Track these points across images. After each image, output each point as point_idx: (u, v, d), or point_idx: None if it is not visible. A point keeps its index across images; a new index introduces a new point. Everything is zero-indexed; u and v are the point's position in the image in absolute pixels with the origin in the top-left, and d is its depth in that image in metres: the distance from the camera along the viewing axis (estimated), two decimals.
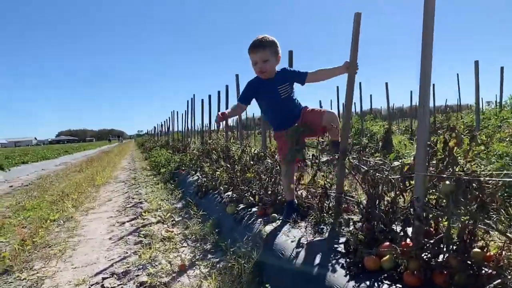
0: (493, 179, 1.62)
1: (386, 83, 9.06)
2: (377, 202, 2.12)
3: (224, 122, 3.02)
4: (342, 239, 2.20)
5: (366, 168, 2.38)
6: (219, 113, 2.78)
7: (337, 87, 11.51)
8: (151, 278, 2.54)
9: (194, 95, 10.10)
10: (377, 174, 2.27)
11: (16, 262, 3.09)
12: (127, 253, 3.20)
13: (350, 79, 2.41)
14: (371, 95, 18.18)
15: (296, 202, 2.92)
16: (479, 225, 1.64)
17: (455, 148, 1.75)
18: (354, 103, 14.47)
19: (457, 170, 1.77)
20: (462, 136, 1.70)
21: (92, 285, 2.59)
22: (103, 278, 2.67)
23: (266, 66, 2.64)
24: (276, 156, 3.70)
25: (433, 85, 10.74)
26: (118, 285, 2.54)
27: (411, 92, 12.79)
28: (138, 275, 2.65)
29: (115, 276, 2.69)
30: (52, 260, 3.15)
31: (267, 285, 2.17)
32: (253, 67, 2.73)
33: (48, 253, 3.31)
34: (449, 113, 13.47)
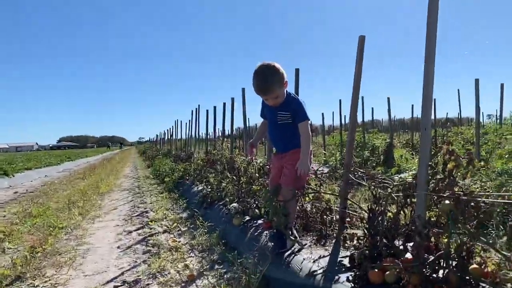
0: (489, 200, 1.73)
1: (388, 98, 9.21)
2: (380, 218, 2.23)
3: (255, 149, 3.13)
4: (345, 253, 2.30)
5: (368, 185, 2.49)
6: (248, 145, 3.00)
7: (340, 100, 11.65)
8: (162, 287, 2.64)
9: (199, 105, 10.24)
10: (379, 190, 2.39)
11: (28, 269, 3.18)
12: (136, 262, 3.30)
13: (354, 103, 2.54)
14: (372, 108, 18.26)
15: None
16: (477, 243, 1.75)
17: (454, 169, 1.87)
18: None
19: (456, 190, 1.88)
20: (461, 158, 1.82)
21: None
22: (115, 287, 2.76)
23: (276, 101, 2.68)
24: None
25: (434, 99, 10.88)
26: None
27: (412, 106, 12.95)
28: (148, 284, 2.75)
29: (126, 284, 2.78)
30: (63, 267, 3.24)
31: None
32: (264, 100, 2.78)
33: (59, 261, 3.40)
34: (450, 127, 13.60)
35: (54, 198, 7.46)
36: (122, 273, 3.03)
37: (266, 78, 2.55)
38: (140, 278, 2.88)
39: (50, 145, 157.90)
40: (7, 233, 4.49)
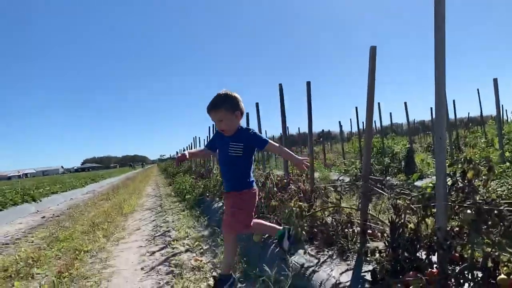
0: None
1: (405, 103, 9.08)
2: (400, 230, 2.18)
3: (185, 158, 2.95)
4: (368, 267, 2.26)
5: (388, 196, 2.45)
6: (180, 154, 2.91)
7: (356, 107, 11.57)
8: None
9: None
10: (399, 201, 2.34)
11: None
12: (159, 283, 3.32)
13: (369, 116, 2.52)
14: (390, 113, 18.15)
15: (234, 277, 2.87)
16: (503, 253, 1.69)
17: (474, 178, 1.82)
18: (374, 121, 14.47)
19: (477, 198, 1.83)
20: (480, 167, 1.77)
21: None
22: None
23: (221, 125, 2.67)
24: (299, 183, 3.81)
25: (453, 100, 10.67)
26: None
27: (431, 108, 12.70)
28: None
29: None
30: None
31: None
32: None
33: (85, 285, 3.46)
34: (472, 128, 13.24)
35: (79, 221, 7.61)
36: None
37: (218, 98, 2.66)
38: None
39: (75, 168, 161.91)
40: (35, 259, 4.59)
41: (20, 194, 12.51)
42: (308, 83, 3.70)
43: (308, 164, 2.80)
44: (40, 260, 4.55)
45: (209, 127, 11.01)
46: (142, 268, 3.87)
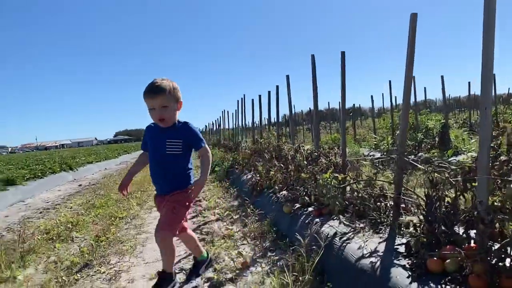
0: None
1: (442, 76, 8.69)
2: (437, 204, 2.13)
3: (127, 188, 2.81)
4: (401, 240, 2.23)
5: (425, 169, 2.38)
6: (121, 187, 2.73)
7: (389, 81, 11.21)
8: (217, 274, 2.74)
9: (244, 95, 10.32)
10: (436, 175, 2.28)
11: (95, 256, 3.42)
12: None
13: (407, 87, 2.42)
14: (425, 88, 17.52)
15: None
16: None
17: None
18: None
19: None
20: None
21: None
22: None
23: (164, 113, 2.38)
24: (331, 156, 3.78)
25: (494, 75, 10.11)
26: (187, 279, 2.75)
27: (469, 83, 12.13)
28: (204, 272, 2.85)
29: (184, 272, 2.91)
30: (125, 255, 3.45)
31: (329, 284, 2.26)
32: (150, 114, 2.43)
33: (121, 249, 3.62)
34: None
35: (114, 189, 7.90)
36: (179, 261, 3.16)
37: (162, 82, 2.39)
38: None
39: (108, 139, 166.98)
40: (74, 223, 4.85)
41: (58, 163, 13.10)
42: (343, 53, 3.57)
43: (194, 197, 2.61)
44: (78, 224, 4.79)
45: (237, 101, 11.01)
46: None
